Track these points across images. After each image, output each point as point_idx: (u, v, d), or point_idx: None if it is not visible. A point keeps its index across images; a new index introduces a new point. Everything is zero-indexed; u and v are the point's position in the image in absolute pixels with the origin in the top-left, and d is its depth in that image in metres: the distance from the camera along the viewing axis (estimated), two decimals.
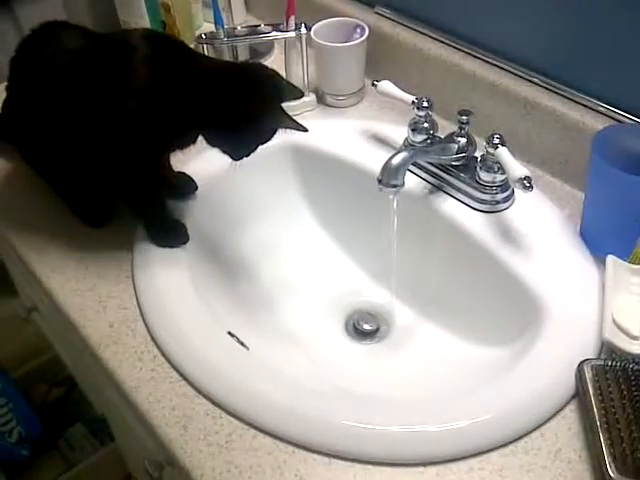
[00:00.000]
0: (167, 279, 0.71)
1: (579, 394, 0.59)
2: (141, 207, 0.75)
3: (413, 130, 0.80)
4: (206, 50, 0.89)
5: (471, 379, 0.69)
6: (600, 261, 0.69)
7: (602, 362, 0.59)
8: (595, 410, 0.56)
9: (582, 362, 0.60)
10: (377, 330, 0.82)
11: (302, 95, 0.71)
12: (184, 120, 0.68)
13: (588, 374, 0.58)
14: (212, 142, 0.70)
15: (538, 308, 0.66)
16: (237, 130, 0.67)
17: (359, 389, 0.70)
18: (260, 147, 0.71)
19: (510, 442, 0.57)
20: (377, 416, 0.59)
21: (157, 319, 0.68)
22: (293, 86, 0.71)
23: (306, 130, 0.69)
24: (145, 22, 1.07)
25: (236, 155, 0.70)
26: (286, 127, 0.68)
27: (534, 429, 0.58)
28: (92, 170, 0.73)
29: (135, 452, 1.00)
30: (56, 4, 1.29)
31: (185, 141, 0.72)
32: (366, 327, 0.82)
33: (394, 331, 0.82)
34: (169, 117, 0.67)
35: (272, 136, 0.69)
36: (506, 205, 0.75)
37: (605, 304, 0.64)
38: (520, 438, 0.57)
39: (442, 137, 0.79)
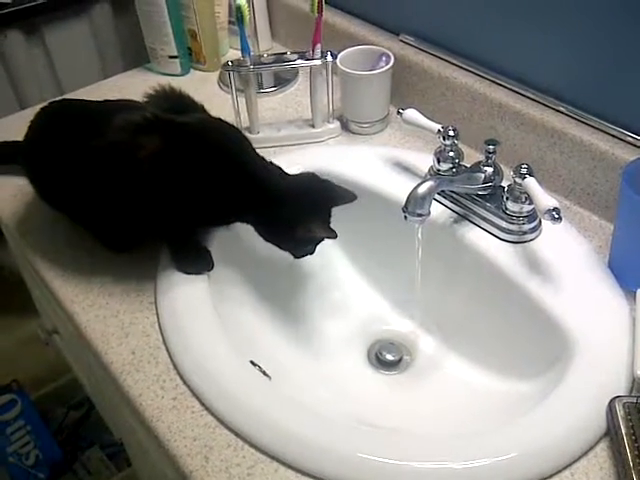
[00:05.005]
0: (190, 306, 0.70)
1: (610, 432, 0.57)
2: (168, 234, 0.75)
3: (438, 159, 0.79)
4: (232, 77, 0.90)
5: (496, 414, 0.68)
6: (630, 294, 0.67)
7: (634, 400, 0.57)
8: (628, 450, 0.55)
9: (613, 399, 0.58)
10: (400, 360, 0.81)
11: (355, 198, 0.73)
12: (226, 214, 0.73)
13: (620, 412, 0.57)
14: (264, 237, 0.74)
15: (566, 342, 0.64)
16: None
17: (381, 421, 0.69)
18: None
19: None
20: (399, 450, 0.58)
21: (179, 347, 0.67)
22: (346, 190, 0.73)
23: (335, 236, 0.71)
24: (172, 49, 1.09)
25: (296, 253, 0.74)
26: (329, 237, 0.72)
27: (564, 468, 0.56)
28: (119, 211, 0.74)
29: (153, 479, 0.99)
30: (83, 31, 1.32)
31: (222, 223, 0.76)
32: (389, 357, 0.81)
33: (417, 362, 0.81)
34: (212, 208, 0.71)
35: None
36: (533, 236, 0.74)
37: (636, 339, 0.63)
38: (549, 477, 0.56)
39: (468, 166, 0.78)
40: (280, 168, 0.74)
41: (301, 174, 0.74)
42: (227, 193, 0.70)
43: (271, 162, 0.74)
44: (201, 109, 0.78)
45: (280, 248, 0.73)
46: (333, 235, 0.70)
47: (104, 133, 0.69)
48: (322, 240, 0.73)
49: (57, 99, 0.86)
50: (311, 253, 0.74)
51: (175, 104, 0.76)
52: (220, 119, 0.75)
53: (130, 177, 0.68)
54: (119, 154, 0.68)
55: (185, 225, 0.73)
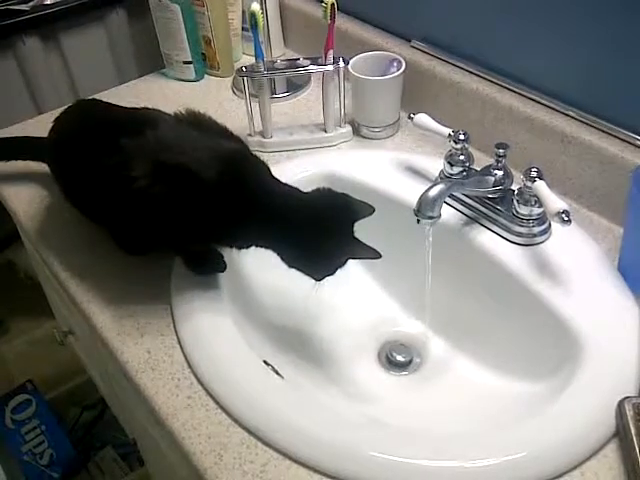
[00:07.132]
0: (204, 307, 0.71)
1: (620, 433, 0.58)
2: (181, 249, 0.76)
3: (449, 162, 0.80)
4: (246, 82, 0.91)
5: (506, 414, 0.68)
6: (639, 297, 0.68)
7: None
8: (637, 450, 0.55)
9: (622, 400, 0.58)
10: (410, 361, 0.82)
11: (373, 210, 0.70)
12: (245, 238, 0.70)
13: (629, 412, 0.57)
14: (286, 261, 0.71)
15: (576, 343, 0.65)
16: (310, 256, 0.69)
17: (392, 420, 0.70)
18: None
19: None
20: (409, 449, 0.58)
21: (194, 346, 0.68)
22: (363, 203, 0.70)
23: (380, 256, 0.67)
24: (187, 54, 1.11)
25: (316, 275, 0.70)
26: (359, 257, 0.69)
27: (573, 468, 0.57)
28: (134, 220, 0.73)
29: (166, 478, 1.00)
30: (100, 37, 1.34)
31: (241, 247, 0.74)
32: (399, 358, 0.81)
33: (427, 363, 0.82)
34: (231, 228, 0.68)
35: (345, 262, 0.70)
36: (543, 238, 0.75)
37: None
38: (559, 477, 0.56)
39: (478, 169, 0.79)
40: (298, 189, 0.71)
41: (317, 190, 0.71)
42: (243, 218, 0.68)
43: (288, 185, 0.71)
44: (224, 132, 0.76)
45: (304, 272, 0.70)
46: (377, 254, 0.68)
47: (123, 148, 0.69)
48: (347, 261, 0.70)
49: (86, 99, 0.87)
50: (331, 274, 0.71)
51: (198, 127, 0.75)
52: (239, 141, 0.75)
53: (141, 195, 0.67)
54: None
55: (199, 244, 0.73)
